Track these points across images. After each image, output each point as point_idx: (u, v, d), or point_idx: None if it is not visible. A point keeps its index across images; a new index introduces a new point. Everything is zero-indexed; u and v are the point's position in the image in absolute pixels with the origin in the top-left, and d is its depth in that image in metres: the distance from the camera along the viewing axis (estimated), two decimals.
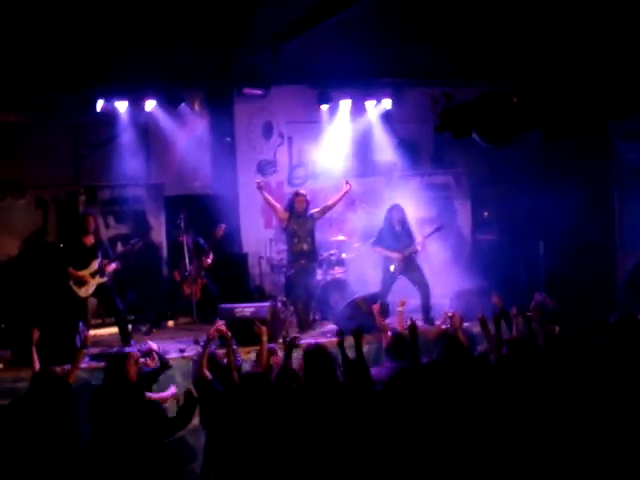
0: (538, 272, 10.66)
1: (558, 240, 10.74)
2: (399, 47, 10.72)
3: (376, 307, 8.63)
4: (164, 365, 7.44)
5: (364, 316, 9.48)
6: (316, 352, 6.77)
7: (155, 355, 7.50)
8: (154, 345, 7.87)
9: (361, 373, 6.36)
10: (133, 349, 7.60)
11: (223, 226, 10.82)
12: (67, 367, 7.03)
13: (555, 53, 10.01)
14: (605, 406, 5.99)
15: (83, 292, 9.47)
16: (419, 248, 10.16)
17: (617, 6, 8.79)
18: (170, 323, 10.83)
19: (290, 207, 10.06)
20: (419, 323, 9.71)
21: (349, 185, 10.17)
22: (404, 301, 8.44)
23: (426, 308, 10.05)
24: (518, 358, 6.53)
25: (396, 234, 10.13)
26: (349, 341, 8.06)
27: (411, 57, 11.01)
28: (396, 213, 10.15)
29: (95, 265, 9.42)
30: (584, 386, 6.12)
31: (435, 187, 12.65)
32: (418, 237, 10.29)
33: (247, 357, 8.63)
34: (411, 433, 6.08)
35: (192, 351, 8.46)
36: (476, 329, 9.15)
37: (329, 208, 10.25)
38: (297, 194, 10.13)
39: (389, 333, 7.84)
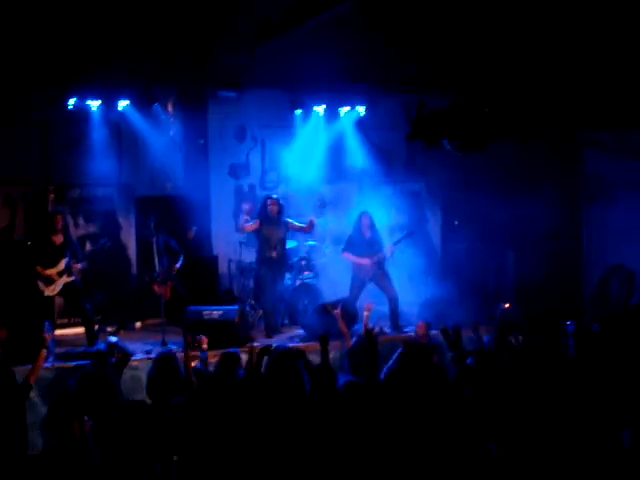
0: (507, 280, 10.75)
1: (527, 248, 10.84)
2: (374, 54, 10.77)
3: (338, 312, 8.61)
4: (125, 356, 7.45)
5: (332, 321, 9.49)
6: (282, 356, 6.77)
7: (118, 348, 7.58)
8: (114, 338, 7.91)
9: (327, 380, 6.34)
10: (100, 346, 7.60)
11: (194, 229, 10.76)
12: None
13: (526, 63, 10.11)
14: (564, 412, 6.03)
15: (50, 291, 9.38)
16: (388, 254, 10.20)
17: (587, 16, 8.90)
18: (138, 324, 10.75)
19: (262, 212, 10.03)
20: (387, 330, 9.81)
21: (313, 222, 10.19)
22: (370, 307, 8.46)
23: (394, 315, 10.08)
24: (481, 369, 6.57)
25: (365, 240, 10.18)
26: (317, 347, 8.15)
27: (386, 64, 11.06)
28: (365, 220, 10.19)
29: (63, 264, 9.34)
30: (544, 396, 6.16)
31: (406, 194, 12.73)
32: (387, 244, 10.33)
33: (214, 360, 8.61)
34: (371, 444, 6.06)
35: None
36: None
37: (296, 229, 10.35)
38: (269, 198, 10.13)
39: (352, 339, 7.83)
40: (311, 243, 11.43)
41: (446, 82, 10.74)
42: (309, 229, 10.23)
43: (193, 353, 7.26)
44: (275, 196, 10.28)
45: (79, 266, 9.43)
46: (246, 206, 11.35)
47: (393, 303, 10.11)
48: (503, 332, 7.88)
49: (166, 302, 10.27)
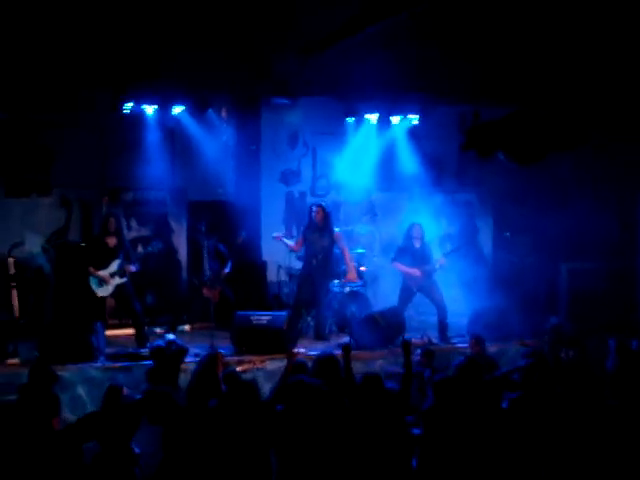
0: (560, 294, 10.57)
1: (581, 262, 10.65)
2: (428, 62, 10.70)
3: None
4: (182, 350, 7.59)
5: (381, 330, 9.47)
6: (327, 362, 6.77)
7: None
8: (171, 336, 8.05)
9: (349, 388, 6.35)
10: (159, 342, 7.73)
11: (244, 234, 10.83)
12: None
13: (584, 72, 9.97)
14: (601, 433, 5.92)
15: (102, 292, 9.51)
16: (437, 266, 10.13)
17: None
18: (187, 327, 10.84)
19: (307, 219, 10.08)
20: (435, 341, 9.74)
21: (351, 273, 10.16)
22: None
23: (442, 326, 10.01)
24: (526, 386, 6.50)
25: (415, 251, 10.12)
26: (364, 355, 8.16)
27: (440, 73, 10.98)
28: (416, 230, 10.14)
29: (115, 266, 9.47)
30: (588, 416, 6.04)
31: (458, 204, 12.63)
32: (438, 254, 10.26)
33: (262, 365, 8.67)
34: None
35: None
36: (493, 349, 9.17)
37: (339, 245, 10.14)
38: (316, 205, 10.10)
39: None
40: (361, 251, 11.40)
41: (502, 92, 10.63)
42: (351, 278, 10.21)
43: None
44: (322, 203, 10.22)
45: (132, 268, 9.56)
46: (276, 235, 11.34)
47: (441, 314, 10.03)
48: (554, 347, 7.77)
49: (214, 306, 10.36)
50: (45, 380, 6.76)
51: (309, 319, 10.29)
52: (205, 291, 10.54)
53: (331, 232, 9.93)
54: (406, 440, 5.95)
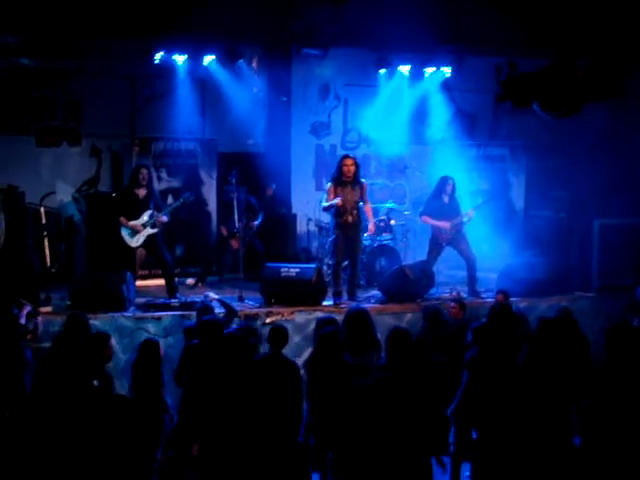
0: (591, 252, 10.43)
1: (614, 219, 10.49)
2: (462, 13, 10.51)
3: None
4: (232, 312, 7.63)
5: (411, 284, 9.44)
6: (357, 315, 6.78)
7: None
8: (215, 295, 8.06)
9: None
10: (199, 304, 7.75)
11: (273, 186, 10.78)
12: None
13: (622, 25, 9.72)
14: None
15: (133, 242, 9.55)
16: (466, 219, 10.00)
17: None
18: (190, 281, 10.75)
19: (337, 173, 9.49)
20: (464, 295, 9.69)
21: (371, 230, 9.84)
22: None
23: (472, 281, 9.94)
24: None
25: (444, 205, 9.98)
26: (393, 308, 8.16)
27: (474, 24, 10.78)
28: (449, 185, 9.98)
29: (146, 216, 9.49)
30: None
31: (490, 159, 12.45)
32: (467, 208, 10.13)
33: (290, 317, 8.69)
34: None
35: (237, 307, 8.46)
36: (523, 304, 9.11)
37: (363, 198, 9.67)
38: (347, 157, 9.59)
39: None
40: (391, 205, 11.32)
41: (538, 43, 10.40)
42: (371, 232, 9.89)
43: None
44: (352, 155, 9.83)
45: (162, 219, 9.57)
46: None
47: (471, 268, 9.94)
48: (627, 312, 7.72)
49: (243, 258, 10.38)
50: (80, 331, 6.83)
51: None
52: (233, 243, 10.56)
53: (361, 185, 9.60)
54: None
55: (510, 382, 5.90)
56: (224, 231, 10.67)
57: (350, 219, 9.40)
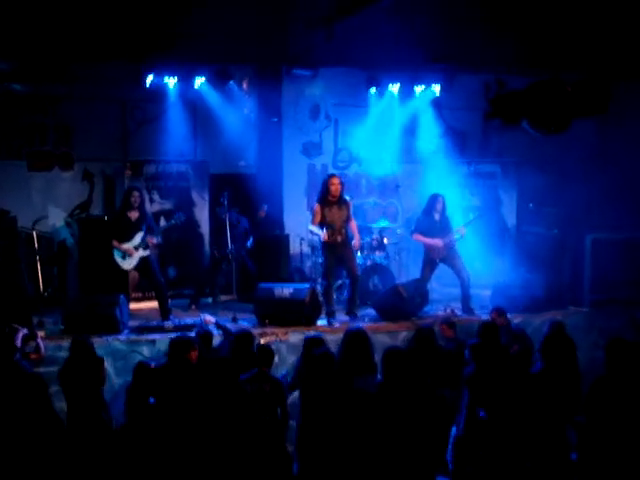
0: (583, 267, 10.47)
1: (606, 235, 10.53)
2: (451, 32, 10.58)
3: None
4: (229, 334, 7.63)
5: (405, 302, 9.44)
6: (357, 336, 6.77)
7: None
8: (212, 318, 8.04)
9: None
10: (197, 329, 7.73)
11: (265, 207, 10.79)
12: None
13: (610, 41, 9.81)
14: None
15: (126, 265, 9.54)
16: (458, 236, 10.01)
17: None
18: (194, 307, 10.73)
19: (323, 193, 9.43)
20: (458, 312, 9.70)
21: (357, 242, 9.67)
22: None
23: (466, 298, 9.95)
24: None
25: (435, 222, 9.99)
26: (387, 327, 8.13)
27: (463, 43, 10.85)
28: (439, 202, 10.00)
29: (138, 238, 9.48)
30: None
31: (481, 175, 12.50)
32: (459, 224, 10.16)
33: (284, 338, 8.68)
34: None
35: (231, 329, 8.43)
36: (517, 320, 9.12)
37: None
38: (332, 176, 9.56)
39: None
40: (383, 224, 11.34)
41: (527, 61, 10.48)
42: (356, 247, 9.71)
43: None
44: (337, 174, 9.80)
45: (154, 241, 9.57)
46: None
47: (465, 285, 9.95)
48: None
49: (237, 279, 10.38)
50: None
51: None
52: (225, 266, 10.56)
53: (347, 203, 9.52)
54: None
55: (512, 397, 5.90)
56: (216, 253, 10.68)
57: (339, 238, 9.35)
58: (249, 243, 10.73)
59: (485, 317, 9.33)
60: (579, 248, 10.47)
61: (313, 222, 9.42)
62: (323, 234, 9.25)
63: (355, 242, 9.62)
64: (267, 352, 6.57)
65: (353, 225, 9.64)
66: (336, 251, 9.40)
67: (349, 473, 5.51)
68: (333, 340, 7.65)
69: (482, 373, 6.19)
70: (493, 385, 6.05)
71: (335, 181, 9.38)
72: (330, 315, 9.36)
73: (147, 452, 5.75)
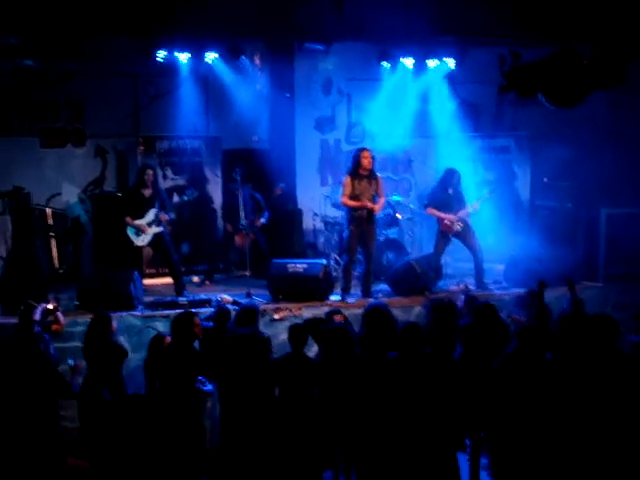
0: (598, 241, 10.41)
1: (621, 209, 10.46)
2: (464, 4, 10.47)
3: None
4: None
5: (418, 277, 9.43)
6: (376, 311, 6.74)
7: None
8: (229, 297, 8.02)
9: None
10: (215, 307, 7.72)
11: (282, 185, 10.77)
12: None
13: (625, 14, 9.67)
14: None
15: (140, 241, 9.57)
16: (471, 211, 9.96)
17: None
18: (195, 278, 10.71)
19: (355, 166, 9.29)
20: (471, 287, 9.67)
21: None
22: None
23: (479, 272, 9.92)
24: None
25: (449, 197, 9.93)
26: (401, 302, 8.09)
27: (476, 15, 10.73)
28: (452, 177, 9.94)
29: (152, 215, 9.50)
30: None
31: (495, 150, 12.42)
32: (473, 200, 10.10)
33: (298, 313, 8.70)
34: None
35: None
36: None
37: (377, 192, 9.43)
38: (364, 149, 9.41)
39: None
40: (397, 198, 11.31)
41: (542, 32, 10.35)
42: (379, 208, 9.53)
43: None
44: (369, 148, 9.61)
45: (167, 217, 9.59)
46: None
47: (478, 260, 9.91)
48: None
49: (249, 254, 10.38)
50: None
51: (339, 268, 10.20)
52: (237, 239, 10.58)
53: (377, 178, 9.40)
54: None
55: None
56: (229, 228, 10.70)
57: (365, 213, 9.25)
58: (264, 219, 10.72)
59: (498, 292, 9.37)
60: (594, 223, 10.41)
61: (344, 194, 9.26)
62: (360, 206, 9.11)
63: (376, 206, 9.39)
64: (299, 332, 6.42)
65: (382, 201, 9.51)
66: (362, 226, 9.27)
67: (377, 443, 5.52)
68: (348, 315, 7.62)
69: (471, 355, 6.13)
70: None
71: (367, 154, 9.25)
72: (346, 291, 9.35)
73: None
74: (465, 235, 9.95)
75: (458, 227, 9.82)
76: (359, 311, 7.43)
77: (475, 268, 9.96)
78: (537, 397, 5.67)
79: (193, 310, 8.16)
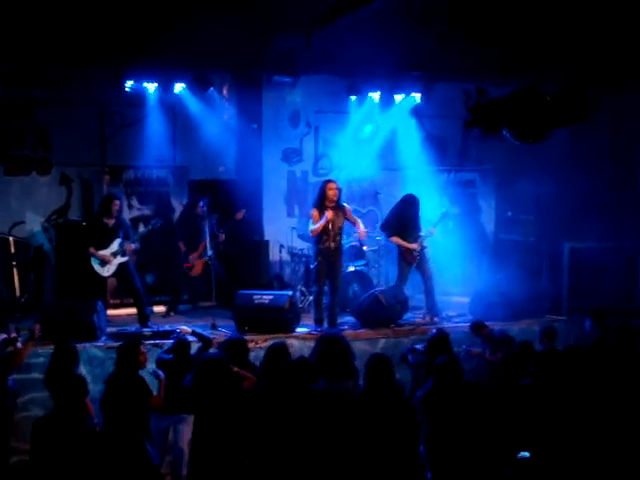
0: (561, 275, 10.54)
1: (584, 243, 10.61)
2: (431, 40, 10.60)
3: None
4: (208, 342, 7.47)
5: (384, 309, 9.44)
6: (333, 340, 6.71)
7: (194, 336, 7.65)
8: (188, 328, 7.95)
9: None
10: (175, 338, 7.60)
11: (243, 210, 10.77)
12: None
13: (586, 51, 9.90)
14: None
15: (104, 272, 9.48)
16: (429, 235, 9.93)
17: None
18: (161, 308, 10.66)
19: (321, 198, 9.33)
20: (436, 319, 9.70)
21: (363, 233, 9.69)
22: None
23: (430, 299, 9.90)
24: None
25: (409, 224, 9.94)
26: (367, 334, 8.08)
27: (442, 51, 10.88)
28: (411, 204, 9.97)
29: (116, 245, 9.43)
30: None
31: (460, 184, 12.57)
32: (427, 228, 10.06)
33: (264, 344, 8.63)
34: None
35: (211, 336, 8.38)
36: (495, 328, 9.11)
37: (350, 221, 9.58)
38: (329, 181, 9.49)
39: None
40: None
41: (504, 69, 10.54)
42: (362, 235, 9.76)
43: None
44: (334, 180, 9.70)
45: (132, 247, 9.52)
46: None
47: (428, 287, 9.89)
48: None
49: (197, 277, 10.29)
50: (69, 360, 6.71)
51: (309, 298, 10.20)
52: (196, 267, 10.47)
53: (343, 209, 9.46)
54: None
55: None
56: (182, 246, 10.53)
57: (332, 245, 9.29)
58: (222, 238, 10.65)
59: (462, 325, 9.41)
60: (557, 256, 10.53)
61: (313, 225, 9.30)
62: (328, 215, 9.12)
63: (361, 229, 9.56)
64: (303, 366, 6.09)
65: (360, 223, 9.60)
66: (329, 258, 9.33)
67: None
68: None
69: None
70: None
71: (333, 186, 9.32)
72: (318, 322, 9.33)
73: None
74: (423, 263, 9.94)
75: (417, 255, 9.86)
76: None
77: (426, 299, 9.96)
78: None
79: (157, 341, 8.18)
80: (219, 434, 5.51)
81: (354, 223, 9.62)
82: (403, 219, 9.99)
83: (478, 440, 5.66)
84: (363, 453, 5.46)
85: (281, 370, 5.91)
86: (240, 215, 10.76)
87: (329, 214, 9.16)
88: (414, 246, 9.87)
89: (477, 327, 8.29)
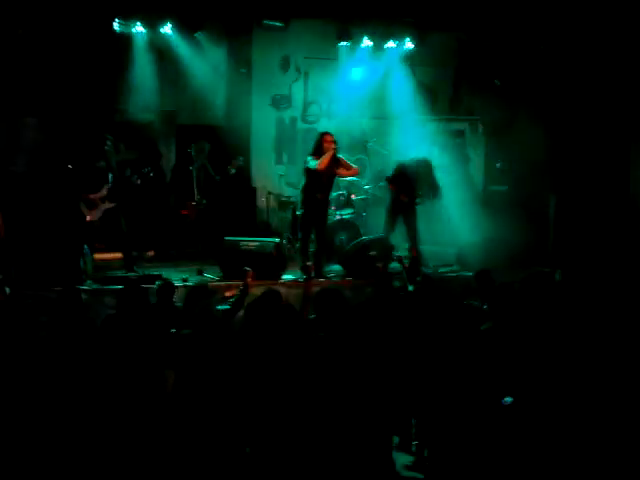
0: (547, 227, 10.57)
1: (570, 195, 10.62)
2: None
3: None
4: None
5: (370, 258, 9.45)
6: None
7: None
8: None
9: None
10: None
11: (241, 159, 10.70)
12: None
13: None
14: None
15: (92, 215, 9.45)
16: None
17: None
18: (151, 253, 10.70)
19: (317, 149, 9.32)
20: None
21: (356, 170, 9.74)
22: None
23: (412, 244, 9.92)
24: None
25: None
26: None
27: None
28: (425, 165, 9.91)
29: (105, 190, 9.39)
30: None
31: (450, 133, 12.49)
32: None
33: (250, 291, 8.65)
34: None
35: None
36: None
37: (342, 171, 9.57)
38: (326, 133, 9.46)
39: None
40: (351, 179, 11.29)
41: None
42: (355, 173, 9.84)
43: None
44: (330, 132, 9.56)
45: (120, 192, 9.46)
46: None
47: (412, 234, 9.92)
48: None
49: (193, 224, 10.29)
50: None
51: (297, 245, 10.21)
52: (183, 211, 10.46)
53: (338, 160, 9.39)
54: None
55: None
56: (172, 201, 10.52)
57: (320, 196, 9.34)
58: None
59: (451, 275, 9.46)
60: (543, 207, 10.55)
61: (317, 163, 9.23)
62: (329, 153, 9.13)
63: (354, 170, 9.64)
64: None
65: (355, 171, 9.67)
66: (316, 207, 9.36)
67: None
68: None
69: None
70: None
71: (329, 138, 9.30)
72: (305, 270, 9.32)
73: None
74: (408, 213, 9.92)
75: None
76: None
77: (409, 238, 9.94)
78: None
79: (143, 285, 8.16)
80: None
81: (351, 172, 9.62)
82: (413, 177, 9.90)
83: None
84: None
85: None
86: (235, 165, 10.72)
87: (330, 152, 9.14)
88: (403, 196, 9.82)
89: (482, 276, 8.22)
